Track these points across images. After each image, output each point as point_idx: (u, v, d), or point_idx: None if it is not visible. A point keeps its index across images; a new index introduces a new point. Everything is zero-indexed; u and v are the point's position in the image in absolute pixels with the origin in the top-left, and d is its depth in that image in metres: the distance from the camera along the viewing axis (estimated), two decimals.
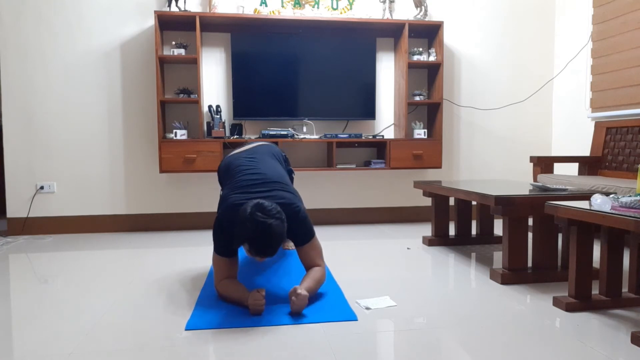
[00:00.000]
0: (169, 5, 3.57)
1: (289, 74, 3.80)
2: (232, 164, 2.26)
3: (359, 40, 3.90)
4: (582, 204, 1.91)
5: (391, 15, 3.91)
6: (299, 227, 2.00)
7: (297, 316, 1.83)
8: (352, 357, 1.51)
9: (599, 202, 1.79)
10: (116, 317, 1.88)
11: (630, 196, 1.83)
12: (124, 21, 3.69)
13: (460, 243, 3.20)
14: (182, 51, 3.59)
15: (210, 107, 3.69)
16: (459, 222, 3.25)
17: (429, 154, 3.83)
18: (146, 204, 3.81)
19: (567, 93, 4.14)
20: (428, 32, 4.00)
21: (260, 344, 1.61)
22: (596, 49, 3.78)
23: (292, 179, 2.55)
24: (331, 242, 3.30)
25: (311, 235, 2.04)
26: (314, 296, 2.02)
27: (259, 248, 1.79)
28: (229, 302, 1.96)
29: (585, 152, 3.91)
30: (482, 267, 2.61)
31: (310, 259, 2.05)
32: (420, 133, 3.90)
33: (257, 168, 2.15)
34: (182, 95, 3.64)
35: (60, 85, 3.64)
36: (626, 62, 3.48)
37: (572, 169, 3.92)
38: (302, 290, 1.85)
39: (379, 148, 3.98)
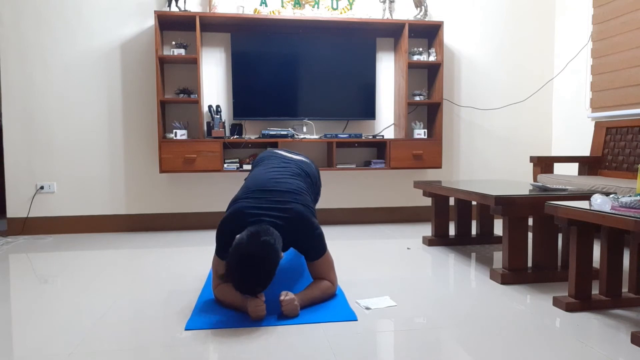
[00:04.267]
0: (169, 5, 3.57)
1: (289, 74, 3.80)
2: (270, 158, 2.27)
3: (359, 40, 3.90)
4: (582, 204, 1.91)
5: (391, 15, 3.91)
6: (312, 243, 1.94)
7: (294, 318, 1.81)
8: (352, 357, 1.51)
9: (599, 202, 1.79)
10: (116, 317, 1.88)
11: (630, 196, 1.83)
12: (124, 21, 3.69)
13: (460, 243, 3.20)
14: (182, 51, 3.59)
15: (210, 107, 3.70)
16: (459, 222, 3.25)
17: (429, 154, 3.83)
18: (146, 204, 3.81)
19: (567, 93, 4.14)
20: (428, 32, 4.00)
21: (260, 344, 1.61)
22: (596, 49, 3.78)
23: (316, 200, 2.39)
24: (331, 242, 3.30)
25: (323, 250, 1.97)
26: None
27: (237, 280, 1.72)
28: (227, 308, 1.93)
29: (585, 152, 3.91)
30: (482, 267, 2.61)
31: (321, 273, 1.99)
32: (420, 133, 3.90)
33: (280, 177, 2.06)
34: (182, 95, 3.64)
35: (60, 85, 3.64)
36: (626, 62, 3.48)
37: (572, 169, 3.91)
38: (286, 296, 1.81)
39: (379, 148, 3.98)
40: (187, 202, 3.86)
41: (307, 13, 3.84)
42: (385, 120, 4.10)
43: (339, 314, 1.85)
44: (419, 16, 3.90)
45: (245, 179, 2.19)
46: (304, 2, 3.85)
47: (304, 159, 2.37)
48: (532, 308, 1.95)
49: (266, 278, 1.73)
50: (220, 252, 1.93)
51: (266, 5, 3.79)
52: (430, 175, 4.20)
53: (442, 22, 3.84)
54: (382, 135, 3.94)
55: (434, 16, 4.08)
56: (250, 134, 3.89)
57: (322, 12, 3.86)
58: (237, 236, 1.76)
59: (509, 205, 2.28)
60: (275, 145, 3.70)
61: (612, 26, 3.61)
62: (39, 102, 3.63)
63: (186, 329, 1.74)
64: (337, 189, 4.07)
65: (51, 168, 3.68)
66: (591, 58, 3.84)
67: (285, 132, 3.67)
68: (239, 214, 1.89)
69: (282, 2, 3.82)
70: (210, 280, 2.31)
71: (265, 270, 1.71)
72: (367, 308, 1.95)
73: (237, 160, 3.66)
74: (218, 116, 3.63)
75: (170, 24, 3.67)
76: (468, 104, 4.21)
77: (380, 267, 2.61)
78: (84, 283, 2.36)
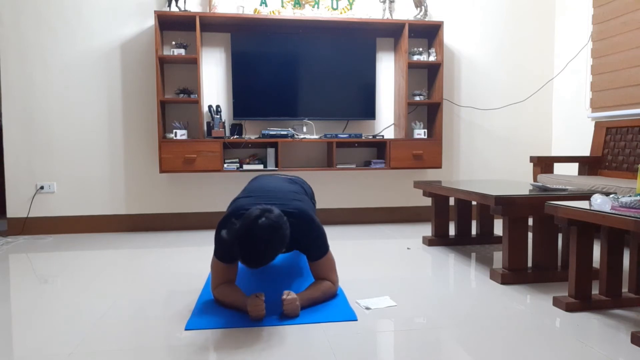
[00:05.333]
0: (169, 5, 3.57)
1: (289, 74, 3.80)
2: (264, 176, 2.33)
3: (359, 40, 3.90)
4: (582, 204, 1.91)
5: (391, 15, 3.91)
6: (314, 241, 1.93)
7: (294, 318, 1.81)
8: (352, 357, 1.51)
9: (599, 202, 1.79)
10: (116, 317, 1.88)
11: (630, 196, 1.83)
12: (124, 21, 3.69)
13: (460, 243, 3.20)
14: (182, 51, 3.59)
15: (210, 107, 3.70)
16: (459, 222, 3.25)
17: (429, 154, 3.83)
18: (146, 204, 3.81)
19: (567, 93, 4.14)
20: (428, 32, 4.00)
21: (260, 344, 1.61)
22: (596, 49, 3.78)
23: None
24: (331, 242, 3.29)
25: (325, 249, 1.96)
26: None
27: (245, 253, 1.63)
28: (226, 308, 1.92)
29: (585, 152, 3.91)
30: (482, 267, 2.61)
31: (323, 274, 1.98)
32: (420, 133, 3.90)
33: (280, 183, 2.09)
34: (182, 95, 3.64)
35: (60, 85, 3.64)
36: (626, 62, 3.48)
37: (572, 169, 3.91)
38: (287, 296, 1.81)
39: (379, 148, 3.98)
40: (187, 202, 3.86)
41: (307, 13, 3.84)
42: (385, 120, 4.10)
43: (339, 314, 1.85)
44: (419, 16, 3.90)
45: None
46: (304, 2, 3.85)
47: (297, 177, 2.44)
48: (532, 308, 1.95)
49: (274, 251, 1.66)
50: (219, 253, 1.92)
51: (266, 5, 3.79)
52: (430, 175, 4.20)
53: (442, 22, 3.84)
54: (382, 135, 3.94)
55: (434, 16, 4.08)
56: (250, 134, 3.89)
57: (322, 12, 3.86)
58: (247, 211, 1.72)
59: (509, 205, 2.28)
60: (275, 145, 3.70)
61: (612, 26, 3.61)
62: (39, 102, 3.63)
63: (186, 329, 1.74)
64: (337, 189, 4.07)
65: (51, 168, 3.68)
66: (591, 58, 3.84)
67: (285, 132, 3.67)
68: (240, 211, 1.87)
69: (282, 2, 3.82)
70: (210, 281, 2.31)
71: (275, 241, 1.65)
72: (367, 308, 1.95)
73: (237, 160, 3.66)
74: (218, 116, 3.63)
75: (170, 24, 3.67)
76: (468, 104, 4.21)
77: (380, 267, 2.61)
78: (84, 283, 2.36)
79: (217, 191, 3.89)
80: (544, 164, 3.57)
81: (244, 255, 1.65)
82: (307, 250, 1.95)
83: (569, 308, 1.91)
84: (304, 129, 3.89)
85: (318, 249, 1.95)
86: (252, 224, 1.63)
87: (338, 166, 3.77)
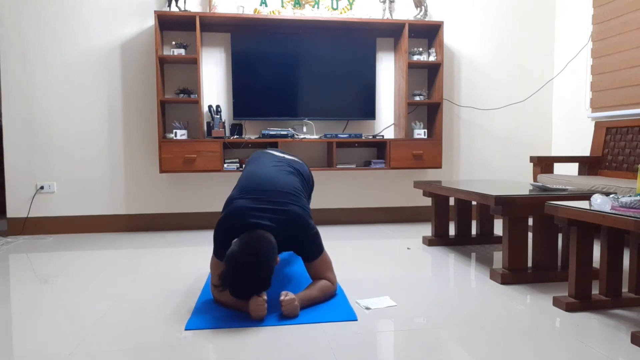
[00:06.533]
0: (169, 5, 3.57)
1: (289, 74, 3.80)
2: (261, 157, 2.28)
3: (359, 40, 3.90)
4: (582, 204, 1.91)
5: (391, 15, 3.91)
6: (309, 244, 1.95)
7: (293, 318, 1.81)
8: (352, 357, 1.51)
9: (599, 202, 1.79)
10: (116, 317, 1.88)
11: (630, 196, 1.83)
12: (124, 21, 3.69)
13: (460, 243, 3.20)
14: (182, 51, 3.59)
15: (210, 107, 3.70)
16: (459, 222, 3.25)
17: (429, 154, 3.83)
18: (146, 204, 3.81)
19: (567, 93, 4.14)
20: (428, 32, 4.00)
21: (260, 344, 1.61)
22: (596, 49, 3.78)
23: (309, 198, 2.39)
24: (331, 242, 3.30)
25: (320, 251, 1.98)
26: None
27: (231, 288, 1.76)
28: (226, 308, 1.93)
29: (585, 152, 3.91)
30: (482, 267, 2.61)
31: (320, 273, 2.00)
32: (420, 133, 3.90)
33: (275, 176, 2.06)
34: (182, 95, 3.64)
35: (60, 85, 3.64)
36: (626, 62, 3.48)
37: (572, 169, 3.91)
38: (286, 296, 1.82)
39: (379, 148, 3.98)
40: (187, 202, 3.86)
41: (307, 13, 3.84)
42: (385, 120, 4.10)
43: (339, 314, 1.85)
44: (419, 16, 3.90)
45: (239, 180, 2.19)
46: (304, 2, 3.85)
47: (295, 158, 2.36)
48: (532, 308, 1.95)
49: (260, 285, 1.77)
50: (218, 252, 1.93)
51: (266, 5, 3.79)
52: (430, 175, 4.20)
53: (442, 22, 3.84)
54: (382, 135, 3.94)
55: (434, 16, 4.08)
56: (250, 134, 3.89)
57: (322, 12, 3.86)
58: (230, 248, 1.78)
59: (509, 205, 2.28)
60: (275, 145, 3.70)
61: (612, 26, 3.61)
62: (39, 102, 3.63)
63: (186, 329, 1.74)
64: (337, 189, 4.07)
65: (51, 168, 3.68)
66: (591, 58, 3.84)
67: (285, 132, 3.67)
68: (237, 212, 1.89)
69: (282, 2, 3.82)
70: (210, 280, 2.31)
71: (258, 278, 1.75)
72: (367, 308, 1.95)
73: (237, 160, 3.66)
74: (218, 116, 3.63)
75: (170, 24, 3.67)
76: (468, 104, 4.21)
77: (380, 267, 2.61)
78: (84, 283, 2.36)
79: (217, 191, 3.89)
80: (544, 164, 3.57)
81: (233, 294, 1.78)
82: (302, 252, 1.96)
83: (569, 308, 1.91)
84: (304, 129, 3.89)
85: (313, 250, 1.96)
86: (236, 274, 1.73)
87: (338, 166, 3.77)
